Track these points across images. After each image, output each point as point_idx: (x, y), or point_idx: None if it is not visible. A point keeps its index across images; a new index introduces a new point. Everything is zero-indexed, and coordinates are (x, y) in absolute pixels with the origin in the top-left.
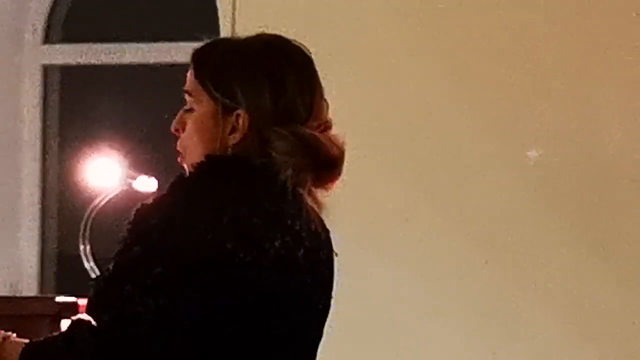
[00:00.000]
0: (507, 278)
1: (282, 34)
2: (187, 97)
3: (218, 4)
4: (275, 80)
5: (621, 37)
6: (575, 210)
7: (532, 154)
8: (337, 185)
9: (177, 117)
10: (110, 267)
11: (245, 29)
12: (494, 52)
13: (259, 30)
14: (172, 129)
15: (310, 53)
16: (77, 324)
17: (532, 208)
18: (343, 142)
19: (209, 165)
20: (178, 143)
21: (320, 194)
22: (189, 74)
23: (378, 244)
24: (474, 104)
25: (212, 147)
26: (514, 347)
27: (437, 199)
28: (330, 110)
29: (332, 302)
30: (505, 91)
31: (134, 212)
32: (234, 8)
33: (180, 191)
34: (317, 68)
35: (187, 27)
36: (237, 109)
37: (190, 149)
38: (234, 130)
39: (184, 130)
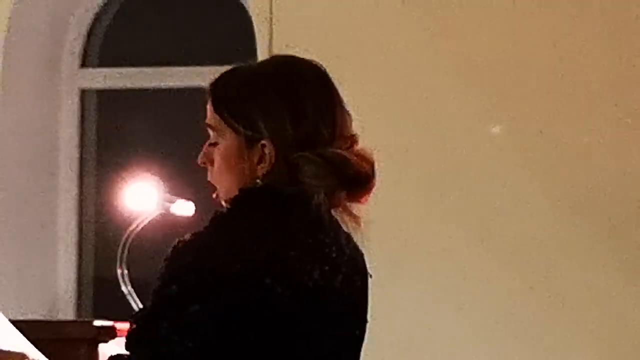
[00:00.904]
0: (540, 292)
1: (317, 54)
2: (209, 130)
3: (255, 28)
4: (294, 105)
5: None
6: (606, 230)
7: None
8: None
9: (203, 151)
10: (149, 304)
11: (282, 51)
12: (507, 57)
13: (298, 45)
14: (199, 163)
15: (324, 69)
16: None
17: (559, 221)
18: (371, 154)
19: (243, 199)
20: (209, 176)
21: (355, 208)
22: (209, 108)
23: (404, 259)
24: (492, 113)
25: (242, 179)
26: None
27: (449, 205)
28: (355, 123)
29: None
30: (525, 98)
31: (171, 249)
32: (270, 31)
33: (215, 228)
34: (349, 82)
35: (224, 51)
36: (261, 139)
37: (222, 183)
38: (261, 160)
39: (211, 163)
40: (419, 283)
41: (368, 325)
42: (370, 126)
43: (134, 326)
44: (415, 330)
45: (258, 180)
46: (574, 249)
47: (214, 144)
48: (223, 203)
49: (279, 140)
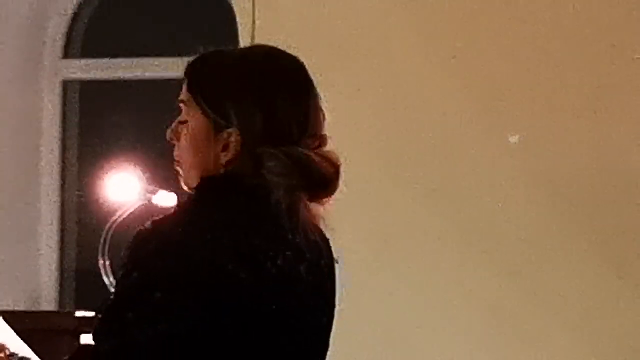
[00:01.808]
0: (520, 292)
1: (298, 45)
2: (182, 106)
3: (238, 19)
4: (268, 100)
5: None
6: (589, 224)
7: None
8: (335, 196)
9: (172, 127)
10: (113, 293)
11: (263, 42)
12: (499, 56)
13: (280, 37)
14: (167, 138)
15: (303, 64)
16: (81, 352)
17: (546, 221)
18: (337, 157)
19: (205, 187)
20: (174, 152)
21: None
22: (184, 85)
23: (379, 249)
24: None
25: (204, 163)
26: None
27: (439, 205)
28: (335, 120)
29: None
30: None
31: (132, 237)
32: (253, 22)
33: (177, 215)
34: (330, 74)
35: (206, 42)
36: (228, 127)
37: (185, 161)
38: (225, 148)
39: (178, 140)
40: (404, 277)
41: (353, 319)
42: (346, 120)
43: (100, 317)
44: (399, 323)
45: (222, 168)
46: (555, 244)
47: (184, 122)
48: (183, 183)
49: (247, 132)
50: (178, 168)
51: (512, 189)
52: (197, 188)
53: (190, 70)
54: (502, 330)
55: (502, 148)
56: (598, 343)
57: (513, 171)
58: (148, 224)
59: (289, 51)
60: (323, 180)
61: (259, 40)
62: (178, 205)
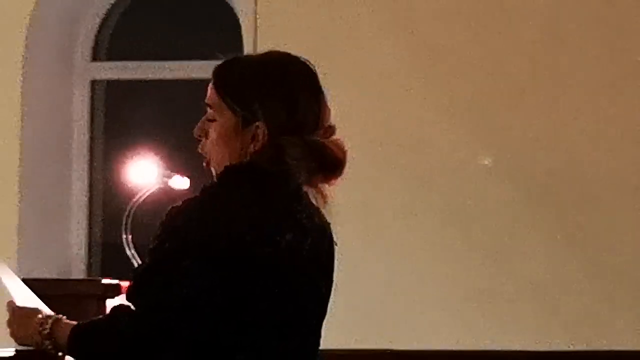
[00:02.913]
0: (499, 275)
1: (297, 49)
2: (208, 109)
3: (242, 27)
4: (289, 97)
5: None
6: (553, 212)
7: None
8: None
9: (200, 125)
10: (147, 260)
11: (266, 47)
12: (480, 72)
13: (280, 43)
14: (195, 135)
15: (314, 68)
16: (118, 309)
17: (522, 215)
18: (344, 144)
19: (230, 174)
20: (200, 147)
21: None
22: (210, 89)
23: (373, 235)
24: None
25: (234, 154)
26: (496, 323)
27: (428, 197)
28: (335, 115)
29: (334, 286)
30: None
31: (165, 213)
32: (255, 29)
33: (204, 196)
34: (326, 77)
35: (214, 47)
36: (256, 121)
37: (215, 154)
38: (253, 139)
39: (206, 136)
40: (388, 257)
41: (342, 295)
42: (345, 117)
43: (133, 279)
44: (384, 298)
45: (248, 157)
46: (530, 235)
47: (212, 120)
48: (213, 172)
49: (272, 124)
50: (206, 163)
51: (494, 189)
52: (222, 174)
53: (217, 75)
54: (482, 309)
55: (485, 152)
56: (566, 319)
57: (494, 173)
58: (179, 202)
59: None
60: (335, 162)
61: (261, 42)
62: (205, 187)
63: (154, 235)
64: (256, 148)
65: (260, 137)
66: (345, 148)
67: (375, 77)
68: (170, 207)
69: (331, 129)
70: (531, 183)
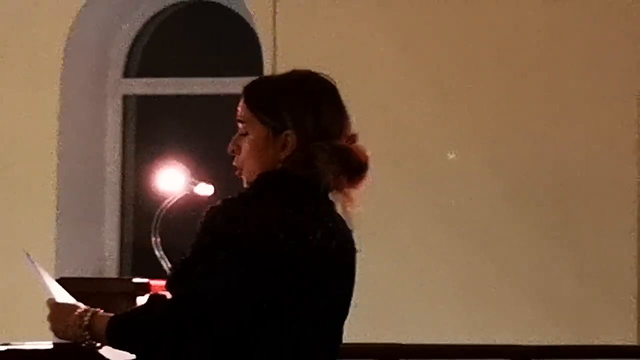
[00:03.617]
0: (488, 266)
1: (312, 66)
2: (239, 124)
3: (262, 46)
4: (314, 105)
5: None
6: (539, 212)
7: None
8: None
9: (233, 140)
10: (187, 253)
11: (283, 66)
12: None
13: (297, 62)
14: (229, 151)
15: (335, 83)
16: (155, 297)
17: (511, 213)
18: (366, 150)
19: (264, 180)
20: (235, 161)
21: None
22: (240, 105)
23: (379, 240)
24: (456, 125)
25: (267, 162)
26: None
27: (428, 201)
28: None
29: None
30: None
31: (205, 212)
32: (274, 48)
33: (241, 197)
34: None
35: (236, 64)
36: (285, 130)
37: (248, 165)
38: (284, 147)
39: (239, 151)
40: (392, 256)
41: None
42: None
43: (174, 270)
44: (384, 291)
45: (280, 164)
46: (511, 226)
47: (244, 134)
48: (245, 183)
49: (300, 132)
50: (239, 173)
51: (486, 188)
52: (257, 180)
53: (247, 92)
54: (472, 298)
55: (479, 155)
56: (550, 306)
57: (487, 171)
58: (218, 202)
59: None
60: (359, 166)
61: (279, 61)
62: (241, 192)
63: (195, 233)
64: (286, 155)
65: (290, 144)
66: (368, 153)
67: (385, 90)
68: (209, 206)
69: (353, 137)
70: (527, 185)
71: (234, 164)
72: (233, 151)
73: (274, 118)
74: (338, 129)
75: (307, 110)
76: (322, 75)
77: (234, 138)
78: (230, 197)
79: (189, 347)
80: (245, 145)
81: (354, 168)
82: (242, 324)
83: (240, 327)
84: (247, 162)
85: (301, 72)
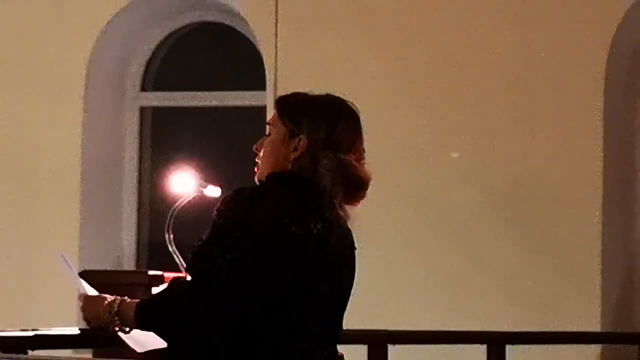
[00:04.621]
0: (466, 259)
1: (309, 81)
2: (268, 127)
3: (265, 63)
4: (331, 120)
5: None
6: (511, 211)
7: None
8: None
9: (260, 141)
10: (204, 236)
11: (284, 81)
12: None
13: (296, 77)
14: (254, 148)
15: (359, 112)
16: (176, 281)
17: (486, 211)
18: (370, 172)
19: (274, 177)
20: (257, 157)
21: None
22: (275, 112)
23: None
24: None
25: (278, 161)
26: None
27: (410, 204)
28: None
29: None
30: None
31: (220, 200)
32: (276, 66)
33: (251, 189)
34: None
35: (239, 79)
36: (300, 134)
37: (264, 161)
38: (295, 149)
39: (261, 149)
40: (379, 253)
41: None
42: None
43: (192, 252)
44: (377, 286)
45: (289, 164)
46: (486, 226)
47: (268, 135)
48: (256, 181)
49: (312, 139)
50: (257, 169)
51: (463, 193)
52: (267, 178)
53: (279, 101)
54: (451, 290)
55: (455, 162)
56: (521, 297)
57: (464, 176)
58: (232, 191)
59: (305, 88)
60: (357, 181)
61: (280, 77)
62: (252, 185)
63: (212, 219)
64: (296, 156)
65: (301, 148)
66: (370, 176)
67: (372, 111)
68: (223, 195)
69: (361, 159)
70: (500, 188)
71: (256, 160)
72: (257, 148)
73: (293, 121)
74: (348, 146)
75: (323, 122)
76: (348, 102)
77: (261, 139)
78: (243, 186)
79: (207, 323)
80: (266, 145)
81: (352, 182)
82: (251, 301)
83: (248, 306)
84: (263, 160)
85: (331, 95)
